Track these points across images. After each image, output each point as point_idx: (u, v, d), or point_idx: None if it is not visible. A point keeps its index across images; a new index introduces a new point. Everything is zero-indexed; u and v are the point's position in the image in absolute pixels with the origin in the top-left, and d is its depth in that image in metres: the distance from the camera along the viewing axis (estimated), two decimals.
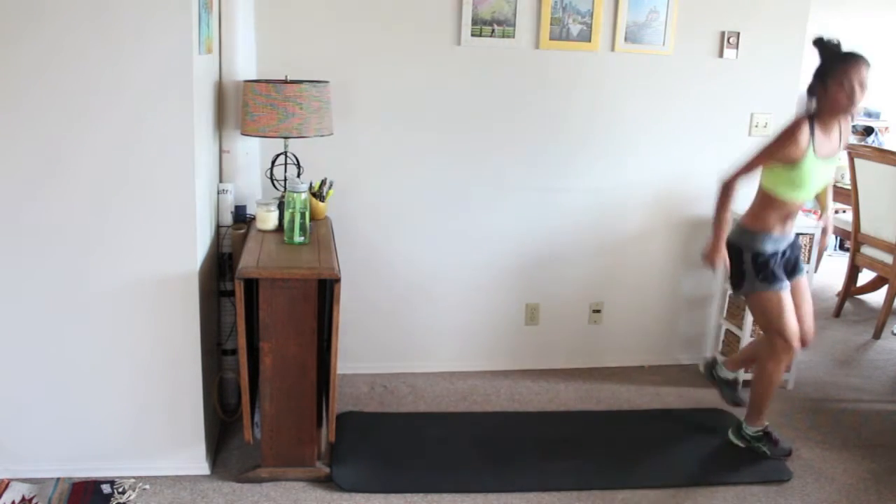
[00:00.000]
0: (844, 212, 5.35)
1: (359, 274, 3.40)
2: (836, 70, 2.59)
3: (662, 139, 3.52)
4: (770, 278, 2.82)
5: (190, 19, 2.32)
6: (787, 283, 2.85)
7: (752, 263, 2.81)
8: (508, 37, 3.31)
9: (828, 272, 5.51)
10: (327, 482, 2.65)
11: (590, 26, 3.34)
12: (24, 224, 2.37)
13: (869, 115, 7.99)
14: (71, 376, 2.51)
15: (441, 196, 3.45)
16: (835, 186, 5.21)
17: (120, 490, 2.51)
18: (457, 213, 3.49)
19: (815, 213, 5.62)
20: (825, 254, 5.75)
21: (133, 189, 2.39)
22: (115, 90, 2.31)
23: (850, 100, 2.59)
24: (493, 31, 3.30)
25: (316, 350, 2.55)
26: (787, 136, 2.63)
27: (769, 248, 2.81)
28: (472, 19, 3.27)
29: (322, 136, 2.92)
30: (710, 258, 2.82)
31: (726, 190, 2.77)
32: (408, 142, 3.38)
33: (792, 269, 2.92)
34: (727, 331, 3.72)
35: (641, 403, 3.38)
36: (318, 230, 2.90)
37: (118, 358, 2.52)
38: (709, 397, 3.48)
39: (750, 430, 2.99)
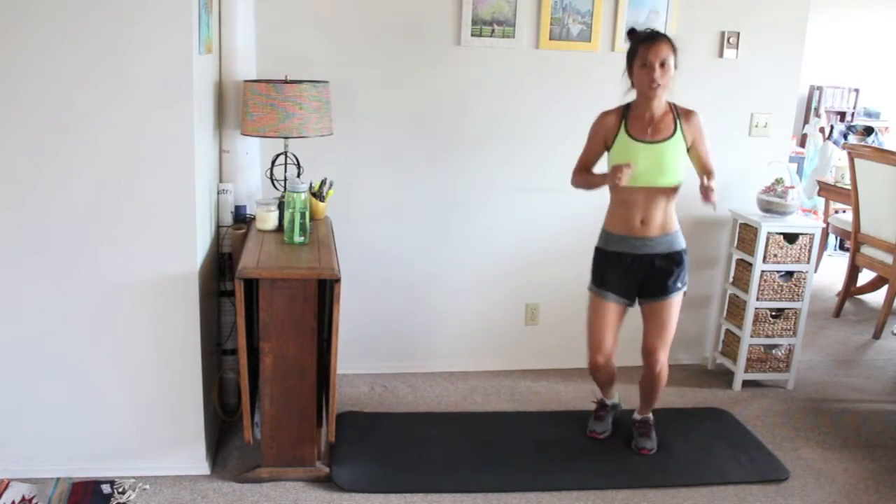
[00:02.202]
0: (844, 212, 5.35)
1: (359, 274, 3.40)
2: (636, 52, 2.64)
3: None
4: (594, 278, 2.86)
5: (190, 19, 2.32)
6: (609, 294, 2.79)
7: (594, 258, 2.87)
8: (508, 37, 3.31)
9: (828, 272, 5.51)
10: (327, 482, 2.64)
11: (590, 26, 3.34)
12: (24, 224, 2.37)
13: (869, 115, 8.00)
14: (71, 376, 2.51)
15: (441, 196, 3.45)
16: (835, 186, 5.25)
17: (120, 490, 2.51)
18: (457, 213, 3.49)
19: (814, 213, 5.65)
20: (825, 253, 5.75)
21: (133, 189, 2.39)
22: (115, 90, 2.31)
23: (650, 78, 2.60)
24: (493, 31, 3.30)
25: (316, 350, 2.55)
26: (594, 123, 2.77)
27: (606, 245, 2.81)
28: (472, 19, 3.27)
29: (322, 136, 2.92)
30: (613, 175, 2.65)
31: (576, 183, 2.86)
32: (408, 142, 3.38)
33: (650, 289, 2.78)
34: (727, 331, 3.72)
35: None
36: (318, 230, 2.89)
37: (118, 358, 2.52)
38: (709, 397, 3.49)
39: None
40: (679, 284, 2.79)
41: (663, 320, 2.79)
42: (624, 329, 3.21)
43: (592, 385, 3.43)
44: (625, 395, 3.18)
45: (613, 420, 3.11)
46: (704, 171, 2.73)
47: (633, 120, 2.70)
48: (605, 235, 2.83)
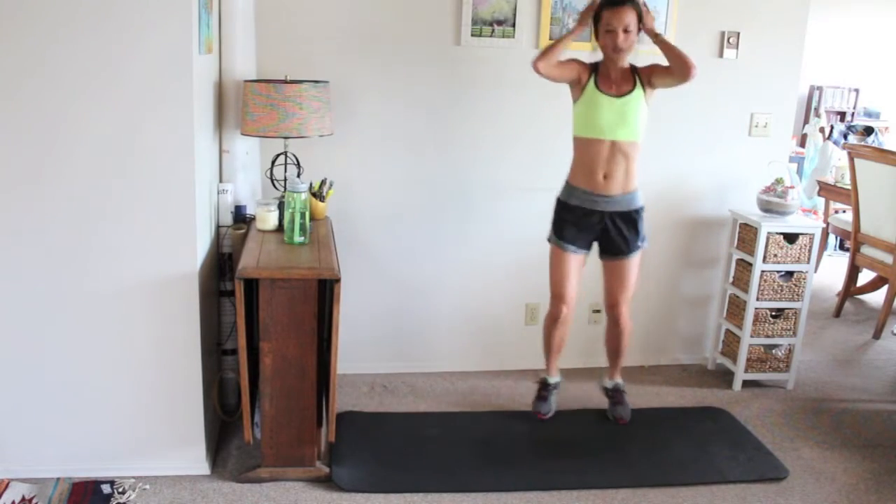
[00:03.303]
0: (844, 212, 5.35)
1: (359, 274, 3.40)
2: (601, 16, 2.80)
3: (662, 139, 3.52)
4: (556, 231, 2.98)
5: (190, 19, 2.32)
6: (572, 248, 2.93)
7: (555, 210, 2.99)
8: (508, 37, 3.31)
9: (828, 272, 5.51)
10: (327, 482, 2.64)
11: (590, 26, 3.33)
12: (24, 224, 2.37)
13: (869, 115, 8.00)
14: (71, 376, 2.51)
15: (441, 196, 3.45)
16: (835, 186, 5.25)
17: (120, 490, 2.51)
18: (457, 213, 3.49)
19: (814, 213, 5.65)
20: (825, 253, 5.75)
21: (133, 189, 2.39)
22: (115, 90, 2.31)
23: (614, 42, 2.76)
24: (493, 31, 3.30)
25: (316, 350, 2.55)
26: (581, 61, 2.90)
27: (568, 198, 2.94)
28: (472, 19, 3.27)
29: (322, 136, 2.92)
30: (585, 13, 2.87)
31: (542, 60, 2.83)
32: (408, 142, 3.38)
33: (611, 248, 2.95)
34: (727, 331, 3.72)
35: (641, 403, 3.38)
36: (318, 230, 2.90)
37: (118, 358, 2.52)
38: (709, 397, 3.49)
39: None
40: (639, 244, 2.97)
41: (625, 276, 3.00)
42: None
43: (595, 384, 3.44)
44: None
45: (613, 417, 3.15)
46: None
47: (601, 76, 2.86)
48: (568, 188, 2.97)
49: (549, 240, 3.02)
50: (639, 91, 2.84)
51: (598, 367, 3.62)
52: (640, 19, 2.77)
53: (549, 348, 3.15)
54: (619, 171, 2.86)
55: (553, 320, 3.06)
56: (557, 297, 3.02)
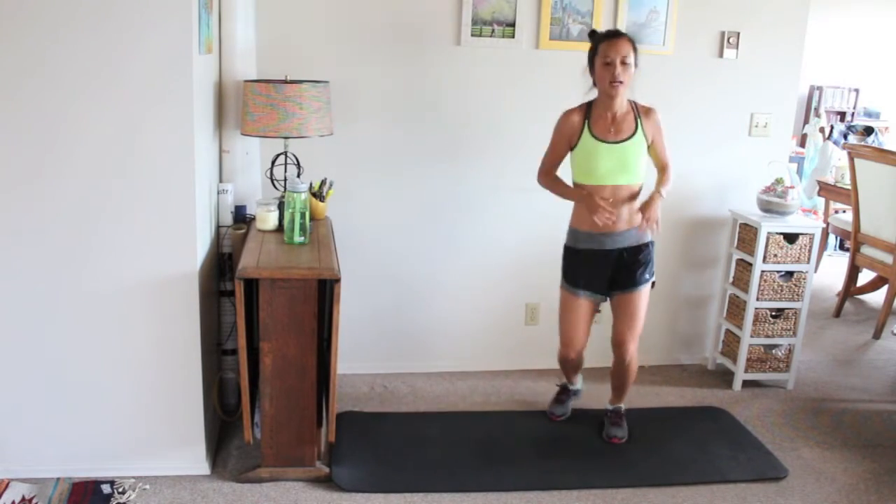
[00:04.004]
0: (844, 212, 5.35)
1: (359, 274, 3.40)
2: (597, 50, 2.69)
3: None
4: (565, 275, 2.91)
5: (190, 19, 2.32)
6: (581, 292, 2.86)
7: (563, 256, 2.92)
8: (508, 37, 3.31)
9: (828, 272, 5.51)
10: (327, 482, 2.64)
11: (590, 26, 3.34)
12: (25, 224, 2.37)
13: (869, 115, 8.00)
14: (71, 376, 2.51)
15: (441, 196, 3.45)
16: (835, 186, 5.25)
17: (120, 490, 2.51)
18: (457, 213, 3.49)
19: (814, 213, 5.65)
20: (825, 253, 5.75)
21: (133, 189, 2.39)
22: (115, 90, 2.31)
23: (612, 75, 2.63)
24: (493, 31, 3.30)
25: (316, 350, 2.55)
26: (559, 122, 2.81)
27: (575, 243, 2.86)
28: (472, 19, 3.27)
29: (322, 136, 2.92)
30: (592, 209, 2.71)
31: (543, 184, 2.91)
32: (408, 142, 3.38)
33: (620, 281, 2.83)
34: (727, 331, 3.72)
35: (641, 403, 3.38)
36: (318, 230, 2.90)
37: (118, 358, 2.52)
38: (709, 397, 3.49)
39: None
40: (647, 276, 2.86)
41: (632, 312, 2.87)
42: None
43: (594, 384, 3.44)
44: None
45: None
46: (659, 167, 2.86)
47: (596, 119, 2.75)
48: (573, 233, 2.89)
49: (562, 286, 2.93)
50: (640, 135, 2.73)
51: (598, 368, 3.63)
52: (636, 52, 2.65)
53: (566, 373, 3.17)
54: (624, 210, 2.75)
55: (565, 360, 3.04)
56: (566, 344, 2.94)
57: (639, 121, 2.74)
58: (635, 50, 2.66)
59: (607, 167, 2.73)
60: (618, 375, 3.02)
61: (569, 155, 2.84)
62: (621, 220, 2.76)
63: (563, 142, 2.81)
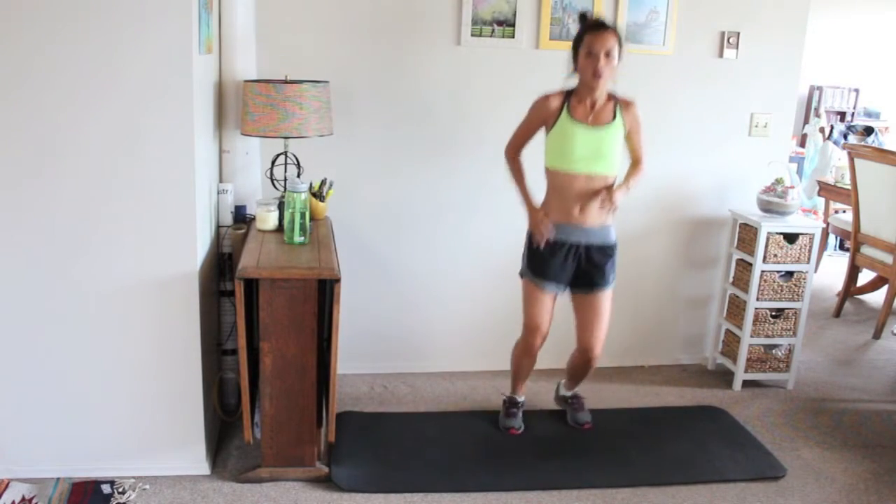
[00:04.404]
0: (844, 212, 5.35)
1: (359, 274, 3.40)
2: (581, 41, 2.67)
3: (662, 139, 3.52)
4: (530, 265, 2.87)
5: (190, 19, 2.32)
6: (547, 284, 2.83)
7: (527, 245, 2.89)
8: (508, 37, 3.31)
9: (828, 272, 5.51)
10: (327, 482, 2.64)
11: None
12: (24, 224, 2.37)
13: (869, 115, 8.00)
14: (71, 376, 2.51)
15: (441, 196, 3.45)
16: (835, 186, 5.25)
17: (120, 490, 2.51)
18: (457, 213, 3.49)
19: (814, 213, 5.65)
20: (825, 253, 5.75)
21: (133, 189, 2.39)
22: (115, 90, 2.31)
23: (594, 67, 2.62)
24: (493, 31, 3.30)
25: (316, 350, 2.55)
26: (535, 102, 2.79)
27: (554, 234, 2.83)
28: (472, 19, 3.27)
29: (322, 136, 2.92)
30: (535, 224, 2.82)
31: (508, 158, 2.90)
32: (408, 142, 3.38)
33: (584, 280, 2.81)
34: (727, 331, 3.72)
35: (641, 403, 3.38)
36: (318, 230, 2.90)
37: (118, 358, 2.52)
38: (709, 397, 3.49)
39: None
40: (612, 277, 2.85)
41: (599, 314, 2.84)
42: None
43: (594, 384, 3.45)
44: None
45: (614, 419, 3.12)
46: (633, 159, 2.86)
47: (575, 105, 2.74)
48: None
49: (523, 275, 2.90)
50: (618, 124, 2.71)
51: (599, 368, 3.62)
52: (620, 46, 2.63)
53: (517, 374, 3.09)
54: (595, 204, 2.72)
55: (526, 351, 2.96)
56: (533, 329, 2.89)
57: (617, 110, 2.73)
58: (620, 44, 2.64)
59: (582, 153, 2.69)
60: (579, 373, 3.06)
61: (544, 140, 2.81)
62: (592, 214, 2.74)
63: (537, 122, 2.79)
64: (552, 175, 2.78)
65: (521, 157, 2.89)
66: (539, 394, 3.44)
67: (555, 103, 2.75)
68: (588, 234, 2.77)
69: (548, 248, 2.79)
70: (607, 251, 2.81)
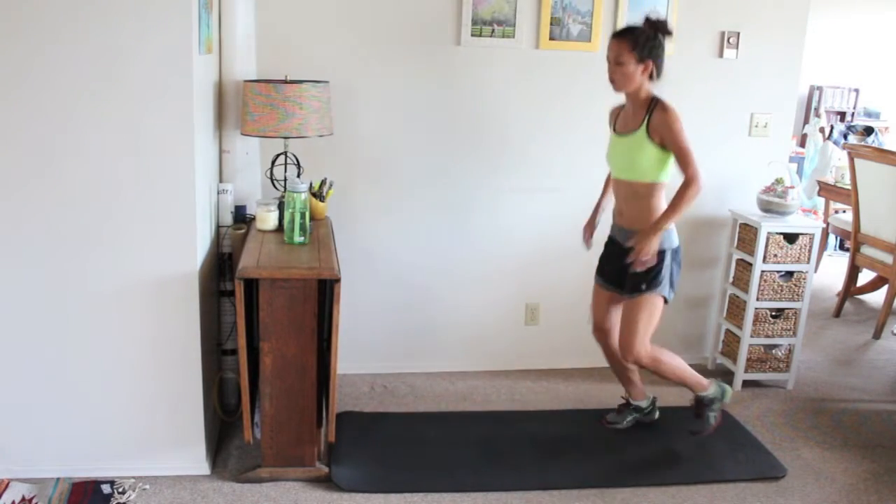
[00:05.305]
0: (844, 212, 5.35)
1: (359, 274, 3.40)
2: None
3: None
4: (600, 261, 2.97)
5: (190, 19, 2.32)
6: (598, 277, 2.96)
7: None
8: (508, 37, 3.31)
9: (828, 272, 5.51)
10: (327, 482, 2.64)
11: (590, 26, 3.34)
12: (24, 224, 2.37)
13: (869, 115, 8.00)
14: (71, 376, 2.51)
15: (441, 196, 3.45)
16: (835, 186, 5.25)
17: (120, 490, 2.51)
18: (457, 213, 3.49)
19: (814, 213, 5.65)
20: (825, 253, 5.75)
21: (133, 189, 2.39)
22: (115, 90, 2.31)
23: (608, 72, 2.70)
24: (493, 31, 3.30)
25: (316, 350, 2.55)
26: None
27: (610, 230, 2.92)
28: (472, 19, 3.27)
29: (322, 136, 2.92)
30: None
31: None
32: (407, 142, 3.38)
33: (623, 283, 2.78)
34: (727, 331, 3.72)
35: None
36: (318, 230, 2.90)
37: (118, 358, 2.52)
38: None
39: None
40: (643, 286, 2.70)
41: (627, 318, 2.79)
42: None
43: (594, 384, 3.45)
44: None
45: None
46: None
47: (623, 113, 2.80)
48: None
49: None
50: (641, 132, 2.65)
51: (599, 368, 3.63)
52: (636, 50, 2.59)
53: (616, 376, 3.12)
54: (633, 208, 2.74)
55: (599, 341, 3.04)
56: (592, 321, 3.02)
57: (647, 118, 2.65)
58: (634, 49, 2.60)
59: (615, 161, 2.80)
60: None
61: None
62: (630, 218, 2.78)
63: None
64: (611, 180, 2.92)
65: None
66: (540, 394, 3.44)
67: (614, 112, 2.87)
68: (628, 236, 2.77)
69: (607, 245, 2.93)
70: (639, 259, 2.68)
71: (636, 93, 2.68)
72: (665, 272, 2.72)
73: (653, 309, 2.75)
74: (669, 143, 2.64)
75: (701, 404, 2.94)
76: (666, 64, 2.71)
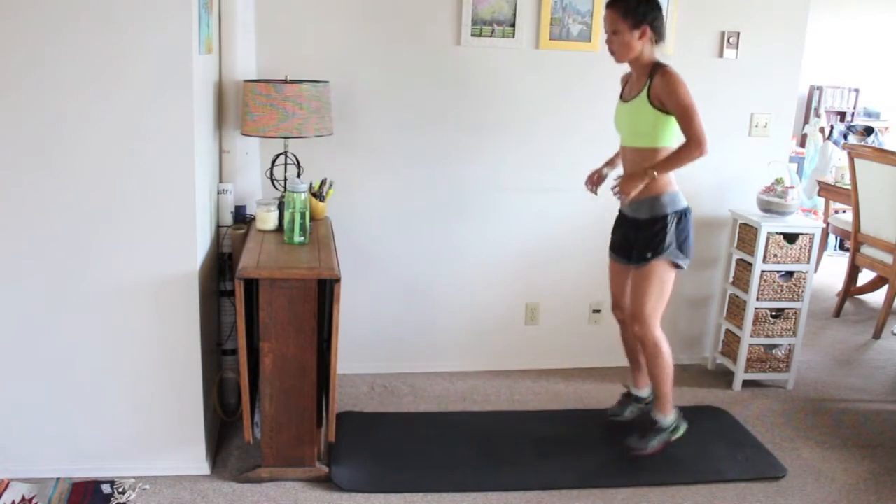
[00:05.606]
0: (844, 212, 5.35)
1: (359, 274, 3.40)
2: None
3: None
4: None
5: (190, 19, 2.32)
6: (611, 252, 2.96)
7: None
8: (508, 37, 3.31)
9: (828, 272, 5.51)
10: (327, 482, 2.64)
11: (590, 26, 3.34)
12: (24, 224, 2.37)
13: (869, 115, 8.00)
14: (71, 376, 2.51)
15: (441, 196, 3.45)
16: (835, 186, 5.25)
17: (120, 490, 2.51)
18: (457, 213, 3.49)
19: (814, 213, 5.65)
20: (825, 253, 5.75)
21: (133, 189, 2.40)
22: (115, 90, 2.31)
23: (607, 44, 2.71)
24: (493, 31, 3.30)
25: (316, 350, 2.55)
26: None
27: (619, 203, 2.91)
28: (472, 19, 3.27)
29: (322, 136, 2.92)
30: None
31: None
32: (407, 142, 3.38)
33: (629, 251, 2.82)
34: (727, 331, 3.72)
35: None
36: (318, 230, 2.90)
37: (118, 358, 2.52)
38: (709, 397, 3.49)
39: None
40: (648, 254, 2.70)
41: (636, 288, 2.79)
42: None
43: (594, 384, 3.45)
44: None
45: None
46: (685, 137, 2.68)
47: (630, 79, 2.82)
48: None
49: None
50: (643, 97, 2.64)
51: (599, 368, 3.64)
52: (630, 16, 2.58)
53: (627, 356, 3.11)
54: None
55: (618, 321, 3.05)
56: (612, 301, 3.03)
57: (649, 83, 2.63)
58: (627, 17, 2.59)
59: (621, 127, 2.82)
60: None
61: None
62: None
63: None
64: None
65: None
66: (540, 394, 3.44)
67: (624, 79, 2.88)
68: (632, 207, 2.80)
69: (617, 219, 2.93)
70: (654, 223, 2.70)
71: (638, 59, 2.69)
72: (670, 237, 2.70)
73: (663, 276, 2.73)
74: (671, 105, 2.60)
75: (653, 426, 2.88)
76: (666, 61, 2.70)
